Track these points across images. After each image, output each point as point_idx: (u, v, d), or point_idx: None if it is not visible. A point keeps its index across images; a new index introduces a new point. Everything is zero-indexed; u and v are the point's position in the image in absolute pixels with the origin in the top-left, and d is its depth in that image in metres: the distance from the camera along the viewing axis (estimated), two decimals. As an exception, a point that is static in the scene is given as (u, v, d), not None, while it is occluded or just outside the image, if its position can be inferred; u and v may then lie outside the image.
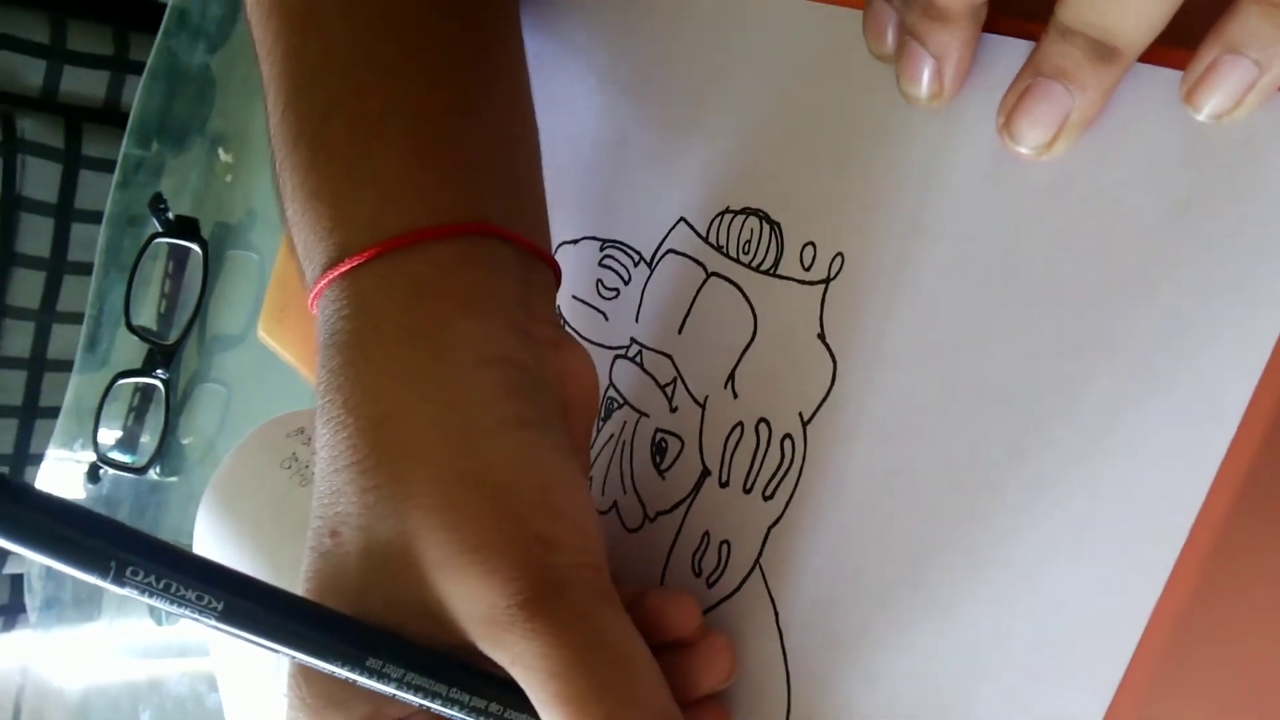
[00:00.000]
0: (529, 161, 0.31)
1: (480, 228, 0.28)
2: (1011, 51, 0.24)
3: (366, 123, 0.28)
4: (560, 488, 0.25)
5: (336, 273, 0.27)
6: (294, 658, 0.24)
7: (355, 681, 0.24)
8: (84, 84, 0.86)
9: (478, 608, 0.24)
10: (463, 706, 0.25)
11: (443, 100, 0.29)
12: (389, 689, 0.24)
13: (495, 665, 0.24)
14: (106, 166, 0.85)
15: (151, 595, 0.22)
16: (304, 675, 0.25)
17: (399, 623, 0.25)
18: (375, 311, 0.26)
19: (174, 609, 0.23)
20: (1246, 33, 0.19)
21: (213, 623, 0.23)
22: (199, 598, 0.23)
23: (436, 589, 0.24)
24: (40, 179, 0.85)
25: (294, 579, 0.39)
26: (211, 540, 0.44)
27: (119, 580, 0.22)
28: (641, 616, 0.26)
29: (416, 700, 0.24)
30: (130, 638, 0.66)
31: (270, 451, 0.45)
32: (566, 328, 0.34)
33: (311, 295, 0.28)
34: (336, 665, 0.24)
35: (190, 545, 0.46)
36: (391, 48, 0.29)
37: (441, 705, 0.25)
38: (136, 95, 0.71)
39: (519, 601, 0.23)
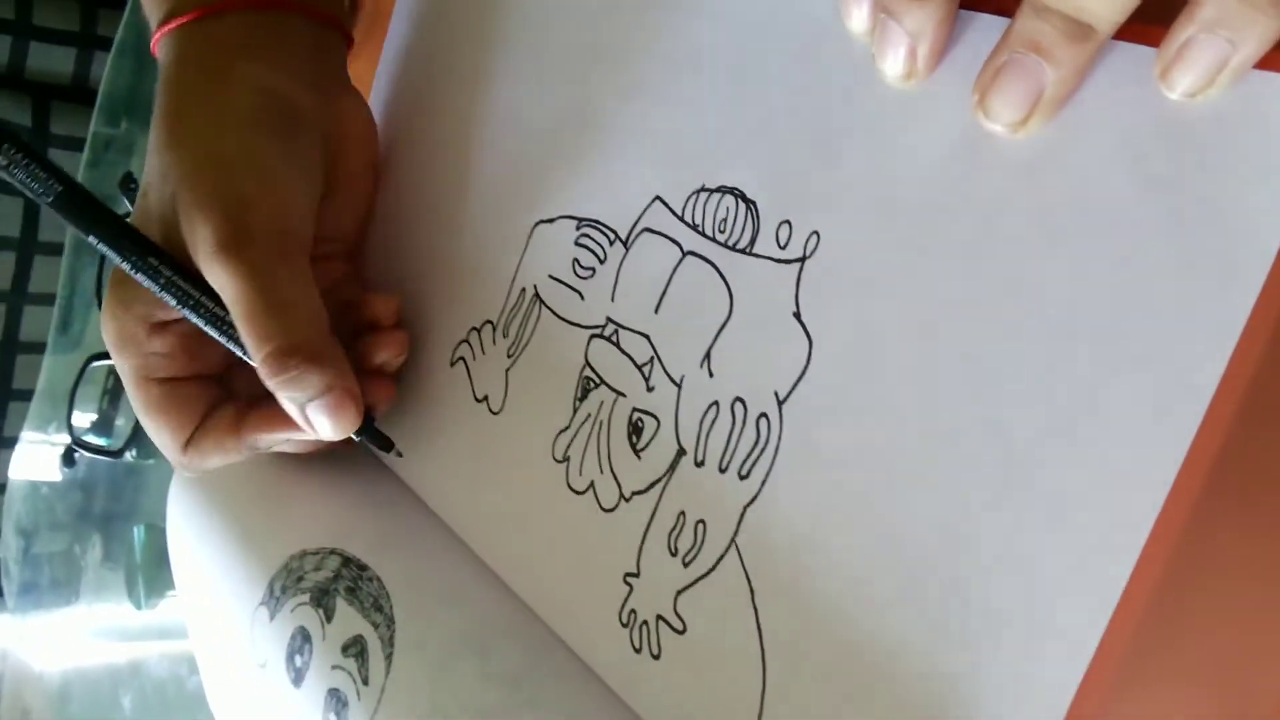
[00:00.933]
0: None
1: (276, 2, 0.38)
2: (988, 28, 0.24)
3: None
4: (273, 173, 0.35)
5: (167, 29, 0.38)
6: (99, 247, 0.34)
7: (133, 275, 0.34)
8: (51, 61, 0.85)
9: (200, 243, 0.34)
10: (205, 311, 0.35)
11: None
12: (154, 288, 0.35)
13: None
14: (75, 145, 0.84)
15: (12, 170, 0.32)
16: (113, 285, 0.36)
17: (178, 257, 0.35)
18: (186, 55, 0.37)
19: (27, 187, 0.32)
20: (1220, 12, 0.19)
21: (49, 204, 0.33)
22: (47, 180, 0.33)
23: (184, 230, 0.34)
24: (8, 158, 0.84)
25: (268, 550, 0.39)
26: (184, 511, 0.44)
27: None
28: (358, 305, 0.39)
29: (171, 301, 0.35)
30: (108, 621, 0.66)
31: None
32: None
33: (153, 44, 0.39)
34: (126, 255, 0.34)
35: (165, 524, 0.46)
36: None
37: (187, 309, 0.35)
38: (105, 72, 0.70)
39: (219, 243, 0.33)
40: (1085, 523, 0.21)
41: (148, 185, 0.37)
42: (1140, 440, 0.21)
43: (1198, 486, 0.20)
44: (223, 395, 0.39)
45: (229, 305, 0.34)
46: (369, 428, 0.38)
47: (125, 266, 0.34)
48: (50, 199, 0.33)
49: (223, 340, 0.36)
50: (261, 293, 0.33)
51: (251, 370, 0.36)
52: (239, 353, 0.36)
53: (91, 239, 0.34)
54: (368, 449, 0.41)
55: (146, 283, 0.35)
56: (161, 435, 0.38)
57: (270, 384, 0.35)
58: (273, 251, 0.34)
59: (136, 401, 0.38)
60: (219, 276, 0.34)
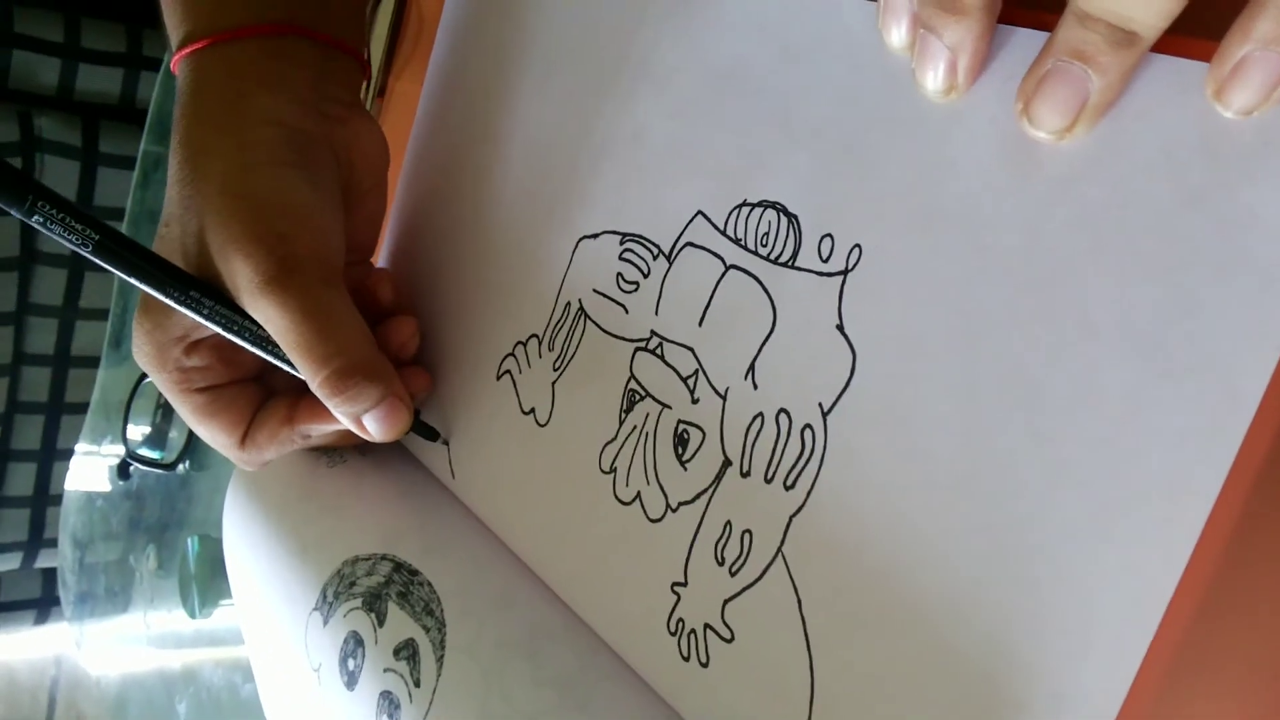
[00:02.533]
0: None
1: (285, 28, 0.39)
2: (1026, 42, 0.24)
3: None
4: (304, 208, 0.36)
5: (183, 53, 0.39)
6: (142, 288, 0.35)
7: (179, 309, 0.35)
8: (99, 81, 0.87)
9: (241, 281, 0.35)
10: (250, 334, 0.37)
11: None
12: (200, 317, 0.36)
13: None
14: (124, 163, 0.85)
15: (49, 225, 0.33)
16: (144, 308, 0.38)
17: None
18: (203, 83, 0.38)
19: (64, 239, 0.33)
20: (1276, 28, 0.19)
21: (89, 253, 0.34)
22: (83, 231, 0.33)
23: (220, 267, 0.36)
24: (59, 177, 0.86)
25: (321, 556, 0.40)
26: (239, 519, 0.45)
27: (30, 212, 0.32)
28: (364, 296, 0.40)
29: (218, 329, 0.36)
30: (163, 629, 0.67)
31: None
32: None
33: (172, 64, 0.40)
34: (170, 293, 0.35)
35: (219, 536, 0.47)
36: None
37: (233, 334, 0.36)
38: (154, 91, 0.71)
39: (264, 278, 0.35)
40: (1131, 532, 0.21)
41: (170, 216, 0.38)
42: (1186, 449, 0.21)
43: (1244, 494, 0.20)
44: (265, 392, 0.42)
45: (278, 336, 0.35)
46: (416, 423, 0.39)
47: (169, 302, 0.36)
48: (89, 248, 0.34)
49: (272, 360, 0.38)
50: (312, 320, 0.35)
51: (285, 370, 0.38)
52: (287, 368, 0.38)
53: (134, 281, 0.35)
54: (416, 449, 0.42)
55: (191, 315, 0.36)
56: (215, 438, 0.41)
57: (329, 403, 0.36)
58: (316, 280, 0.36)
59: (183, 411, 0.40)
60: (266, 310, 0.35)
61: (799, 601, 0.27)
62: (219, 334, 0.37)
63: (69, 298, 0.88)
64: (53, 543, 0.92)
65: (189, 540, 0.61)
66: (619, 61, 0.35)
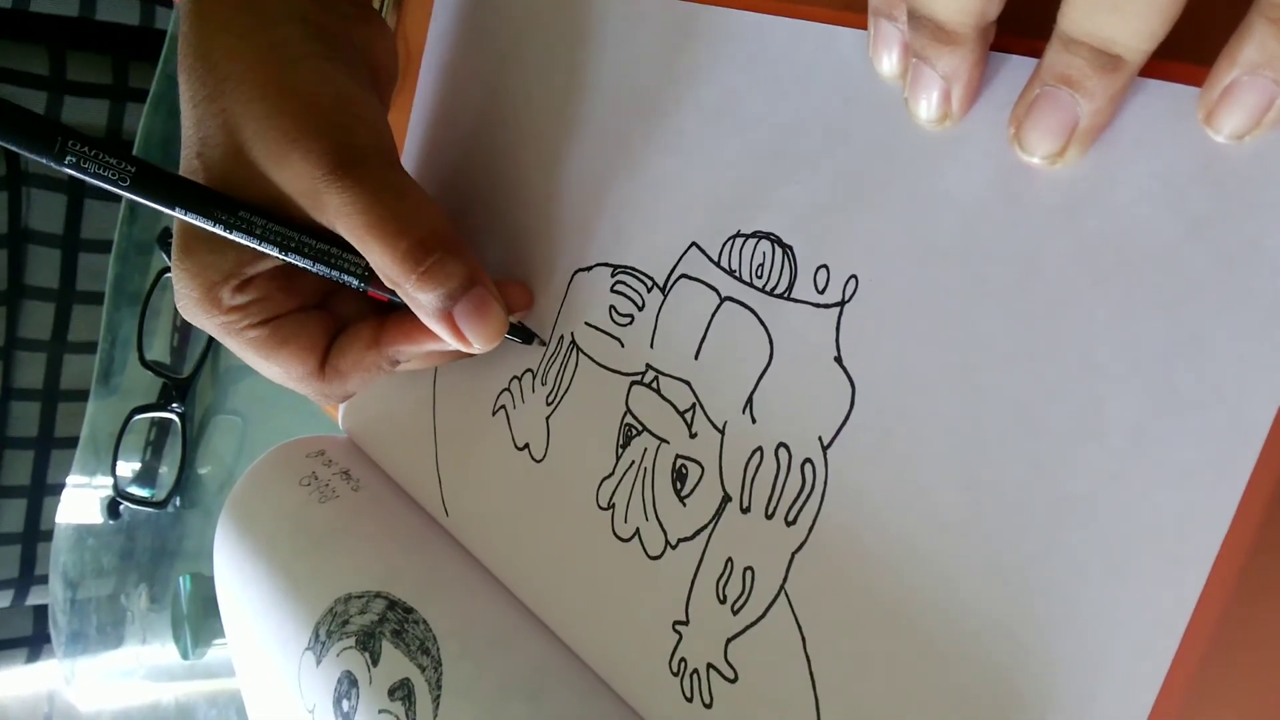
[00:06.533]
0: None
1: None
2: (1020, 69, 0.24)
3: None
4: (353, 99, 0.34)
5: None
6: (187, 219, 0.33)
7: (231, 236, 0.33)
8: (85, 114, 0.86)
9: (302, 183, 0.33)
10: (309, 249, 0.34)
11: None
12: (252, 242, 0.33)
13: (326, 231, 0.34)
14: (111, 196, 0.85)
15: (83, 165, 0.31)
16: (183, 249, 0.35)
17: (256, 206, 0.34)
18: None
19: (100, 178, 0.31)
20: (1264, 53, 0.19)
21: (126, 189, 0.32)
22: (119, 165, 0.32)
23: (273, 176, 0.33)
24: (46, 211, 0.86)
25: (313, 594, 0.39)
26: (230, 556, 0.45)
27: (61, 156, 0.31)
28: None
29: (273, 251, 0.34)
30: (155, 663, 0.66)
31: (289, 470, 0.45)
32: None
33: None
34: (218, 218, 0.33)
35: (211, 572, 0.46)
36: None
37: (291, 254, 0.34)
38: (140, 124, 0.71)
39: (329, 170, 0.32)
40: (1140, 570, 0.21)
41: (202, 143, 0.34)
42: (1193, 484, 0.20)
43: (1254, 529, 0.20)
44: (334, 320, 0.38)
45: (349, 227, 0.33)
46: (511, 325, 0.36)
47: (218, 229, 0.33)
48: (127, 183, 0.32)
49: (332, 274, 0.35)
50: (385, 196, 0.33)
51: (351, 294, 0.37)
52: (350, 281, 0.35)
53: (177, 211, 0.33)
54: (406, 483, 0.42)
55: (243, 239, 0.33)
56: (289, 371, 0.37)
57: (411, 282, 0.33)
58: (382, 165, 0.34)
59: (244, 353, 0.37)
60: (335, 201, 0.33)
61: (803, 640, 0.26)
62: (274, 257, 0.34)
63: (56, 331, 0.88)
64: (43, 579, 0.91)
65: (180, 580, 0.60)
66: (612, 95, 0.34)
